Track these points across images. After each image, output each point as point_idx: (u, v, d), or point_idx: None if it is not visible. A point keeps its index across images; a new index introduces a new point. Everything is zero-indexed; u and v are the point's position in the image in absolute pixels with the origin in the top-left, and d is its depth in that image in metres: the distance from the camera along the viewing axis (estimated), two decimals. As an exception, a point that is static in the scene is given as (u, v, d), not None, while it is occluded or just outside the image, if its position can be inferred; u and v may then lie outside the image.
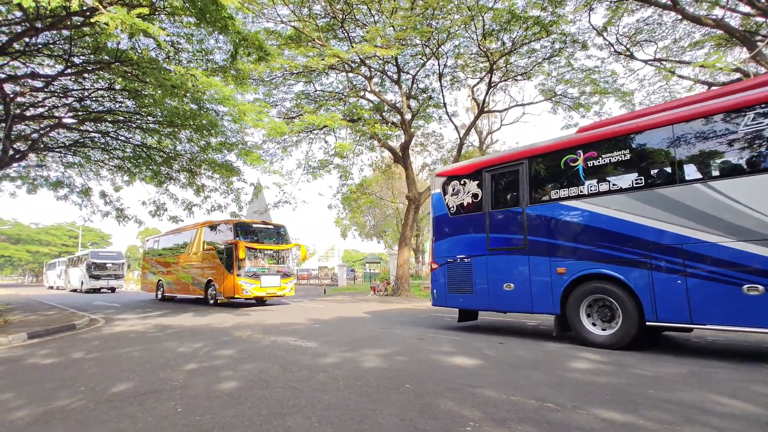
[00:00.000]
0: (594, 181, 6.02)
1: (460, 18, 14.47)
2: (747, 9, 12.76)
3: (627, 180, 5.75)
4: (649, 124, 5.57)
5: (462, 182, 7.79)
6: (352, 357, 5.41)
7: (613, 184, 5.86)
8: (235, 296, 13.72)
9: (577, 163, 6.19)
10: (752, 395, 3.58)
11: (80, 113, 12.81)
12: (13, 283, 66.97)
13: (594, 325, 5.99)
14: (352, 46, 15.19)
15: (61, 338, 7.78)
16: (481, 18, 14.36)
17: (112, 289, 29.93)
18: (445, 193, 8.10)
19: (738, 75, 13.50)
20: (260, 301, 15.50)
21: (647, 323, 5.39)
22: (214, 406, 3.47)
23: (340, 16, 15.60)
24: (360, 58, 16.36)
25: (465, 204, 7.71)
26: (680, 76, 15.59)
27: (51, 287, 39.68)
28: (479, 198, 7.48)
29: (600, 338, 5.84)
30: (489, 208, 7.31)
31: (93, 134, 13.98)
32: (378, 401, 3.53)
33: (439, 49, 16.14)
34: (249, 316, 11.06)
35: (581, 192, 6.12)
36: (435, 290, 8.15)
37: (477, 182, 7.55)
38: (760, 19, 13.08)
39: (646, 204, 5.47)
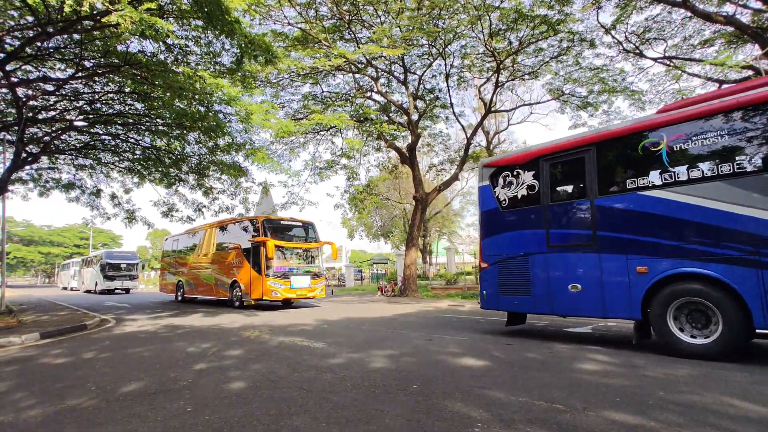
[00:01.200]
0: (682, 168, 5.28)
1: (467, 18, 14.42)
2: (758, 5, 12.57)
3: (726, 164, 4.96)
4: (758, 97, 4.86)
5: (515, 173, 7.12)
6: (359, 358, 5.42)
7: (708, 170, 5.09)
8: (264, 298, 12.85)
9: (659, 148, 5.49)
10: (765, 397, 3.52)
11: (91, 116, 12.99)
12: (26, 284, 68.03)
13: (682, 331, 5.31)
14: (359, 47, 15.22)
15: (73, 338, 7.88)
16: (487, 17, 14.30)
17: (127, 290, 29.58)
18: (494, 185, 7.38)
19: (750, 72, 13.30)
20: (286, 303, 14.61)
21: (756, 330, 4.74)
22: (222, 406, 3.50)
23: (347, 18, 15.63)
24: (366, 59, 16.39)
25: (519, 197, 7.03)
26: (690, 74, 15.40)
27: (65, 288, 39.26)
28: (536, 190, 6.81)
29: (695, 348, 5.12)
30: (548, 201, 6.65)
31: (103, 137, 14.17)
32: (385, 402, 3.53)
33: (446, 49, 16.10)
34: (257, 316, 11.12)
35: (666, 180, 5.39)
36: (484, 291, 7.43)
37: (533, 173, 6.87)
38: (772, 16, 12.88)
39: (752, 191, 4.74)
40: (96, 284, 28.99)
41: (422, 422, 3.05)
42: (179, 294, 18.07)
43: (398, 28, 15.10)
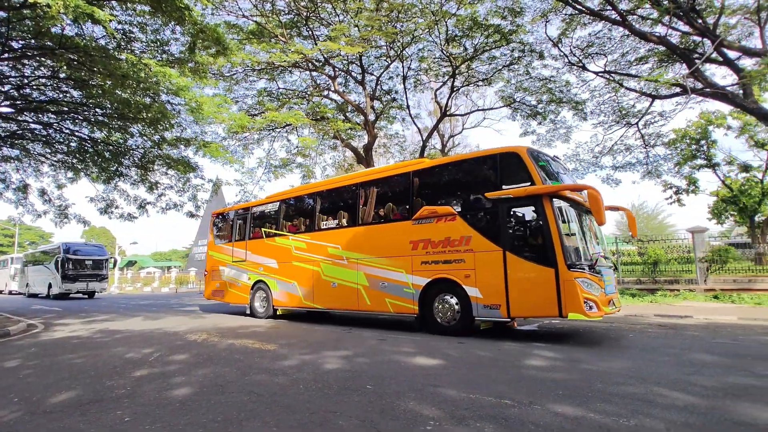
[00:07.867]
0: None
1: (425, 22, 14.68)
2: (686, 28, 13.77)
3: None
4: None
5: None
6: (312, 359, 5.33)
7: None
8: (568, 316, 5.97)
9: None
10: (692, 387, 3.84)
11: (19, 102, 11.86)
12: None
13: None
14: (316, 45, 15.03)
15: (-7, 346, 7.13)
16: (444, 23, 14.64)
17: (91, 294, 22.89)
18: None
19: (678, 90, 14.53)
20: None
21: None
22: (165, 414, 3.30)
23: (305, 14, 15.40)
24: (324, 57, 16.22)
25: None
26: (627, 88, 16.59)
27: (1, 291, 31.24)
28: None
29: None
30: None
31: (33, 125, 12.97)
32: (339, 403, 3.49)
33: (404, 51, 16.30)
34: (205, 319, 10.64)
35: None
36: None
37: None
38: (697, 38, 14.16)
39: None
40: (50, 286, 22.32)
41: (375, 422, 3.04)
42: (262, 304, 10.57)
43: (356, 28, 15.08)
